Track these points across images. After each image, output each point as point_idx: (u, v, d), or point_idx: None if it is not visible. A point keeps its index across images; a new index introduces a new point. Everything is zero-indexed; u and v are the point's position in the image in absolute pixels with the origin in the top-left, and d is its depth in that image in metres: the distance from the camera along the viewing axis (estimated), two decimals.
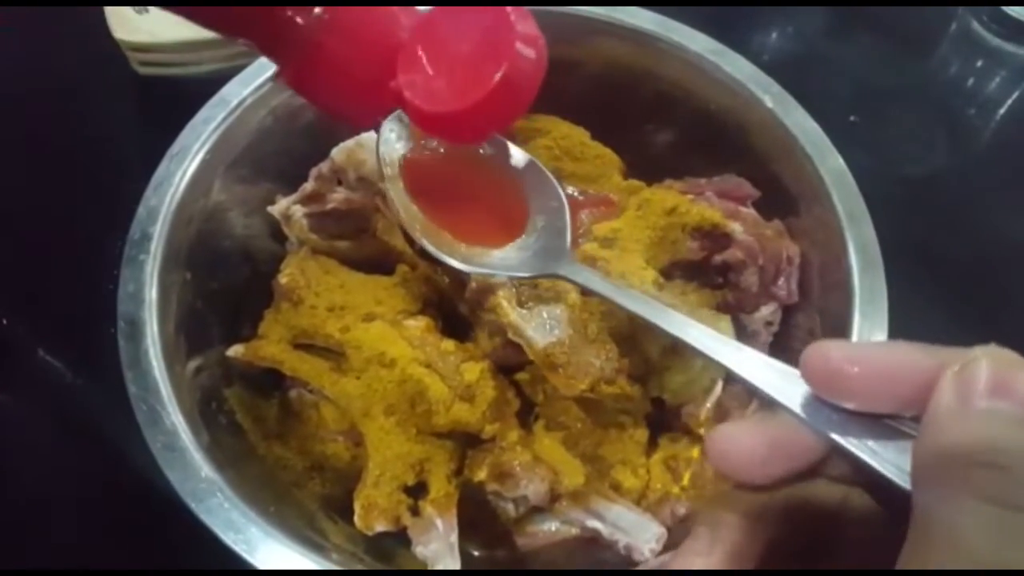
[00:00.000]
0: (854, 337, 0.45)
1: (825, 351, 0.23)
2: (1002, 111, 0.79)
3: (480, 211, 0.39)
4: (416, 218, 0.38)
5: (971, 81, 0.81)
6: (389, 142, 0.37)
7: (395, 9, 0.29)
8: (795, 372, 0.24)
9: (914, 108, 0.78)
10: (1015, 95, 0.80)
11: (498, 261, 0.38)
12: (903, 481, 0.22)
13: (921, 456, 0.20)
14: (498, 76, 0.25)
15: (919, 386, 0.21)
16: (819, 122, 0.52)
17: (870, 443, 0.22)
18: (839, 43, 0.83)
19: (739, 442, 0.24)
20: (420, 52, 0.28)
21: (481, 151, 0.38)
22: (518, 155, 0.40)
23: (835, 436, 0.23)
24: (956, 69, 0.82)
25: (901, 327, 0.46)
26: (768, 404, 0.24)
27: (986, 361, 0.20)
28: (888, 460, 0.22)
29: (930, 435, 0.20)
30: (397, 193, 0.37)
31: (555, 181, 0.39)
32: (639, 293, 0.37)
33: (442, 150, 0.37)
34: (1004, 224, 0.70)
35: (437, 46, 0.27)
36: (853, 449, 0.22)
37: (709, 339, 0.28)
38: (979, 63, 0.82)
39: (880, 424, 0.23)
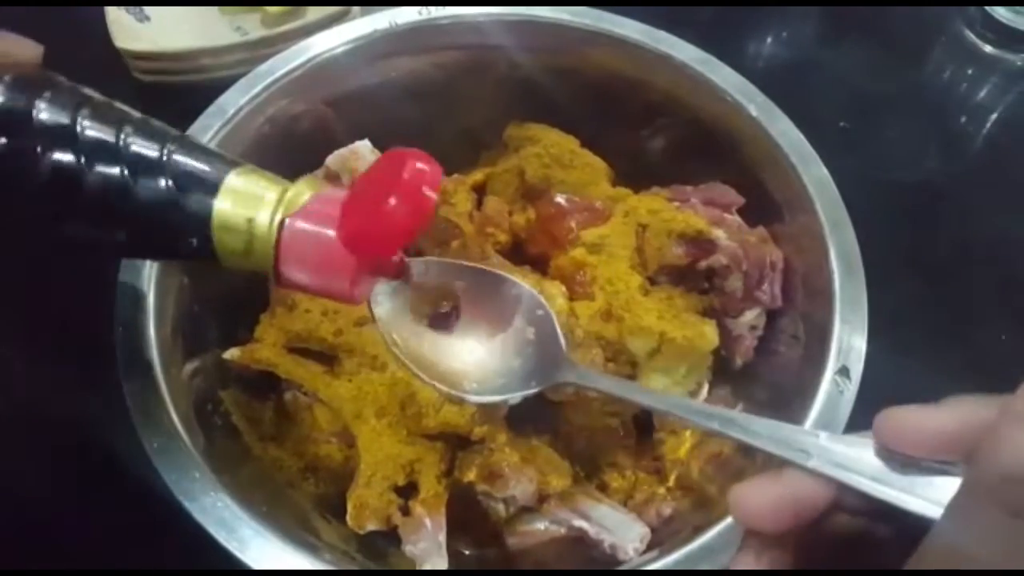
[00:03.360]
0: (834, 342, 0.46)
1: (900, 421, 0.25)
2: (993, 117, 0.80)
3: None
4: (422, 363, 0.40)
5: (963, 87, 0.82)
6: (380, 316, 0.40)
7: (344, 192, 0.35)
8: (802, 431, 0.28)
9: (905, 114, 0.79)
10: (1007, 101, 0.80)
11: (503, 384, 0.40)
12: (916, 507, 0.24)
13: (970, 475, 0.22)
14: (388, 204, 0.32)
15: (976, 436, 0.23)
16: (809, 128, 0.53)
17: (883, 482, 0.25)
18: (832, 50, 0.84)
19: (751, 499, 0.27)
20: (352, 197, 0.34)
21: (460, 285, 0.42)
22: (494, 278, 0.42)
23: (844, 479, 0.26)
24: (948, 75, 0.83)
25: (887, 332, 0.47)
26: (780, 464, 0.27)
27: None
28: (900, 489, 0.25)
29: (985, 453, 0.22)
30: (400, 348, 0.39)
31: (535, 292, 0.41)
32: (641, 387, 0.42)
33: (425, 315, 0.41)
34: (994, 231, 0.70)
35: (362, 190, 0.34)
36: (862, 488, 0.25)
37: (720, 417, 0.30)
38: (971, 70, 0.83)
39: (897, 463, 0.25)
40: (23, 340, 0.58)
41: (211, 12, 0.76)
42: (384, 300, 0.40)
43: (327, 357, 0.51)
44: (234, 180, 0.34)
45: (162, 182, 0.34)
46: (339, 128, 0.58)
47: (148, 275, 0.46)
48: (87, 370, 0.46)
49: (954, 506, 0.22)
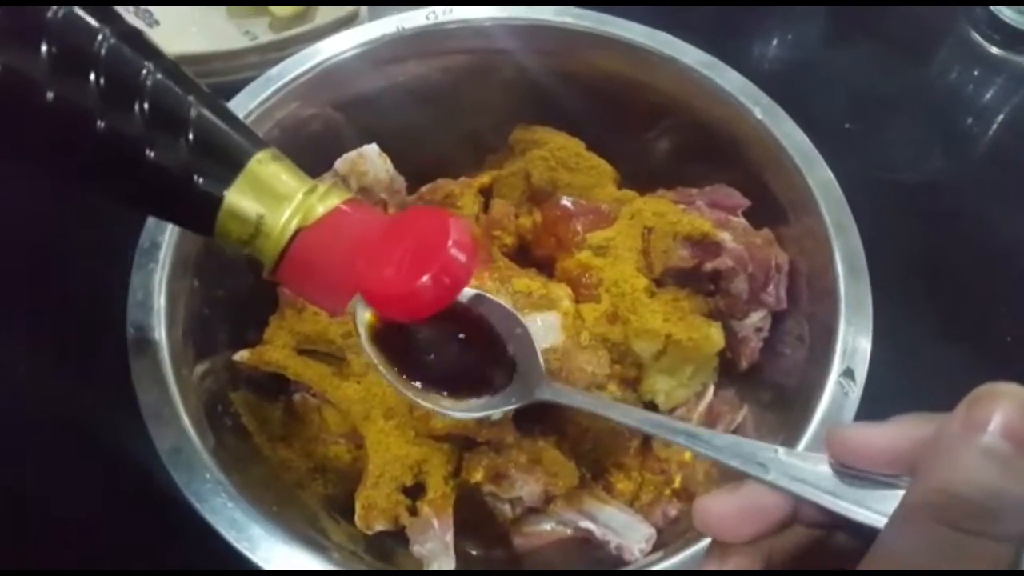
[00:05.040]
0: (839, 343, 0.46)
1: (848, 437, 0.27)
2: (999, 119, 0.80)
3: (457, 364, 0.42)
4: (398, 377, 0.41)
5: (968, 88, 0.82)
6: (364, 320, 0.39)
7: (365, 215, 0.35)
8: (762, 446, 0.29)
9: (911, 115, 0.79)
10: (1013, 103, 0.80)
11: (484, 402, 0.41)
12: (866, 519, 0.25)
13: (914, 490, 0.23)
14: (427, 276, 0.31)
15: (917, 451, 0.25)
16: (814, 130, 0.53)
17: (836, 495, 0.26)
18: (838, 51, 0.84)
19: (713, 510, 0.28)
20: (380, 247, 0.33)
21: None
22: (474, 298, 0.42)
23: (798, 492, 0.27)
24: (954, 77, 0.83)
25: (892, 334, 0.48)
26: (741, 477, 0.29)
27: (1000, 400, 0.23)
28: (852, 502, 0.26)
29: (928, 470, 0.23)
30: (378, 357, 0.40)
31: (513, 311, 0.42)
32: (615, 403, 0.42)
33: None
34: (998, 232, 0.70)
35: (393, 243, 0.33)
36: (815, 500, 0.27)
37: (685, 432, 0.32)
38: (976, 71, 0.83)
39: (849, 477, 0.27)
40: (34, 343, 0.59)
41: (220, 16, 0.77)
42: (367, 318, 0.40)
43: (336, 359, 0.51)
44: (256, 167, 0.33)
45: (180, 149, 0.31)
46: (348, 132, 0.58)
47: (159, 279, 0.47)
48: (98, 372, 0.47)
49: (896, 517, 0.24)
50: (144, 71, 0.31)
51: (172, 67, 0.32)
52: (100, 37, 0.30)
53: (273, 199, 0.33)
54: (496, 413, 0.41)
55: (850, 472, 0.26)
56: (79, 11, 0.30)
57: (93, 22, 0.30)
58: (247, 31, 0.76)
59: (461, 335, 0.41)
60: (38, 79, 0.29)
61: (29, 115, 0.30)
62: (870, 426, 0.27)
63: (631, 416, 0.36)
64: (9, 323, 0.60)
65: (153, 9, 0.74)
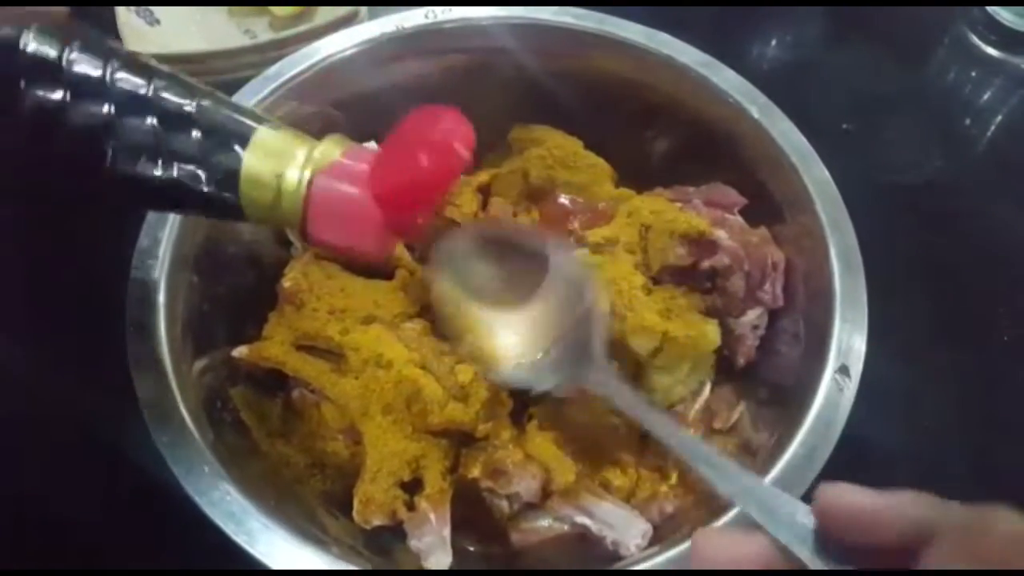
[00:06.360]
0: (834, 341, 0.46)
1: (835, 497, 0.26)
2: (997, 120, 0.80)
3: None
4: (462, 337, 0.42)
5: (966, 90, 0.82)
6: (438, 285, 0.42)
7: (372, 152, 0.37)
8: (791, 500, 0.27)
9: (909, 116, 0.79)
10: (1010, 104, 0.81)
11: (529, 374, 0.41)
12: None
13: None
14: (422, 157, 0.34)
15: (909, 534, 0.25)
16: (812, 130, 0.54)
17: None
18: (836, 52, 0.84)
19: (725, 552, 0.28)
20: (386, 156, 0.36)
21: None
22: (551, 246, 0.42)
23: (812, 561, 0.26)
24: (951, 78, 0.83)
25: (888, 332, 0.48)
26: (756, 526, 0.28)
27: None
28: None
29: None
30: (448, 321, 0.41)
31: (588, 277, 0.42)
32: (659, 413, 0.42)
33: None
34: (995, 232, 0.70)
35: (394, 146, 0.36)
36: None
37: (716, 466, 0.31)
38: (974, 72, 0.83)
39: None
40: (33, 338, 0.59)
41: (220, 16, 0.77)
42: (444, 268, 0.41)
43: (334, 355, 0.51)
44: (263, 135, 0.35)
45: (191, 135, 0.34)
46: (347, 130, 0.58)
47: (158, 275, 0.47)
48: (98, 369, 0.47)
49: None
50: (151, 84, 0.34)
51: (171, 75, 0.35)
52: (110, 64, 0.33)
53: (284, 157, 0.35)
54: (541, 387, 0.41)
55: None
56: (89, 37, 0.34)
57: (101, 51, 0.34)
58: (247, 30, 0.76)
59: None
60: (61, 105, 0.32)
61: (56, 142, 0.33)
62: (864, 492, 0.26)
63: (669, 432, 0.35)
64: (9, 322, 0.60)
65: (154, 8, 0.74)
